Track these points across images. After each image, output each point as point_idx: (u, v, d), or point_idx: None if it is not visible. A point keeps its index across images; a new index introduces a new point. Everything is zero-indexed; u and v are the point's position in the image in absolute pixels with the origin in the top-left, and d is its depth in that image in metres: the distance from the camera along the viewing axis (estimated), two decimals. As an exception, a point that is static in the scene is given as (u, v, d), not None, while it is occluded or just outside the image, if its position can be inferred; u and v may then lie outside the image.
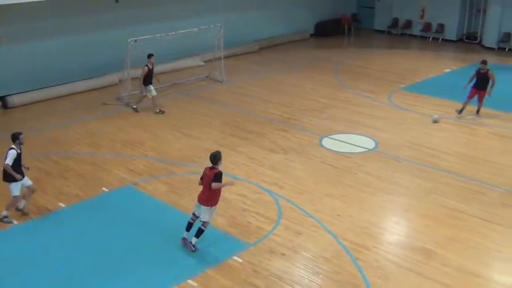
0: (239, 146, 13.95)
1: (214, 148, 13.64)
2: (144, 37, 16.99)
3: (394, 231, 10.27)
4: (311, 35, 27.86)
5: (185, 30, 18.51)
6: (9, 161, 10.03)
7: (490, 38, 25.41)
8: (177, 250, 9.49)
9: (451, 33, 26.75)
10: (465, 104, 15.88)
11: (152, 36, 17.27)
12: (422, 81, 20.00)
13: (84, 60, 18.72)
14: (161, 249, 9.54)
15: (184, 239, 9.57)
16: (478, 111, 16.04)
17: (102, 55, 18.98)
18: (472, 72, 16.06)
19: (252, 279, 8.71)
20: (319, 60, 23.15)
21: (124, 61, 16.90)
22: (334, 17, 28.53)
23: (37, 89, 17.57)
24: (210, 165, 9.27)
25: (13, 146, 10.16)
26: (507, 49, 24.89)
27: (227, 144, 14.05)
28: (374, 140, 14.30)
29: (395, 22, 28.39)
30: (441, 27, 26.95)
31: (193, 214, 9.54)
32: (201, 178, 9.43)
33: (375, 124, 15.54)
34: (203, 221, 9.37)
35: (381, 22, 28.95)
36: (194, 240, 9.42)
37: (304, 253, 9.43)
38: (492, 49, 25.12)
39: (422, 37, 27.52)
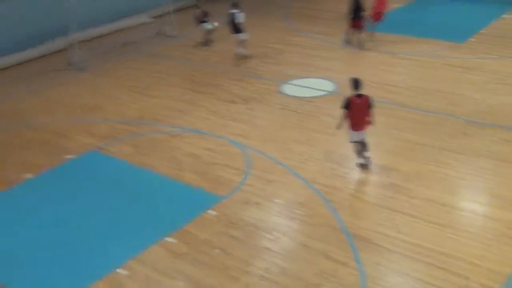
0: (199, 100, 13.85)
1: (174, 105, 13.58)
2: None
3: (361, 169, 10.53)
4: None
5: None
6: None
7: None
8: (151, 210, 9.52)
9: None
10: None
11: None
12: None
13: (29, 28, 17.94)
14: (134, 210, 9.54)
15: (361, 164, 10.27)
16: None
17: (46, 19, 18.24)
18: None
19: (229, 230, 8.84)
20: (267, 5, 22.88)
21: (69, 24, 16.33)
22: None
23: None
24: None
25: None
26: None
27: (187, 99, 13.93)
28: (333, 82, 14.42)
29: (340, -40, 28.16)
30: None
31: (356, 142, 10.10)
32: (346, 108, 9.81)
33: (332, 66, 15.63)
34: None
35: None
36: (368, 154, 10.23)
37: (277, 201, 9.60)
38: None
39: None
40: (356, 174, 10.34)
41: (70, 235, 8.98)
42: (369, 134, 11.60)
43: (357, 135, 10.00)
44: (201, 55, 17.20)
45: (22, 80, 16.00)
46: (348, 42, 17.15)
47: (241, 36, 16.28)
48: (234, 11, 16.08)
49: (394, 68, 15.00)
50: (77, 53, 16.66)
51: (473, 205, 9.24)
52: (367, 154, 10.22)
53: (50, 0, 18.11)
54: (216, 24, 17.98)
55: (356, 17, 16.56)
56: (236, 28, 16.22)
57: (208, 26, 17.96)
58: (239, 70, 15.74)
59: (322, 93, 13.83)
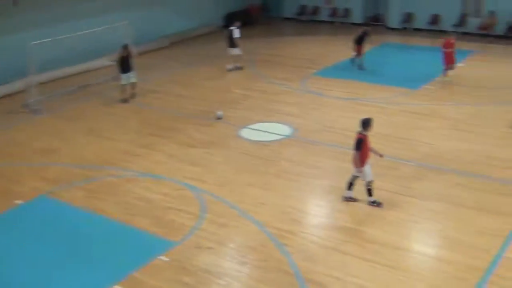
0: (157, 144, 13.72)
1: (132, 149, 13.42)
2: (45, 40, 16.27)
3: (318, 213, 10.50)
4: (223, 26, 27.80)
5: (89, 30, 17.91)
6: None
7: (394, 19, 26.39)
8: (99, 256, 9.24)
9: (357, 16, 27.55)
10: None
11: (54, 38, 16.58)
12: (332, 65, 20.45)
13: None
14: (82, 256, 9.25)
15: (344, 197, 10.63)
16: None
17: (4, 61, 18.07)
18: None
19: (181, 277, 8.62)
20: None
21: (27, 66, 16.15)
22: (243, 7, 28.58)
23: None
24: None
25: None
26: (410, 29, 25.94)
27: (146, 143, 13.79)
28: (291, 126, 14.51)
29: (303, 9, 28.89)
30: (347, 12, 27.70)
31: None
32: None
33: (291, 110, 15.76)
34: (366, 181, 10.33)
35: (289, 9, 29.37)
36: (371, 198, 10.41)
37: (231, 245, 9.45)
38: (396, 29, 26.08)
39: (329, 22, 28.15)
40: (312, 218, 10.29)
41: (14, 281, 8.64)
42: (321, 178, 11.71)
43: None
44: (161, 100, 17.15)
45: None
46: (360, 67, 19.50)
47: (236, 51, 19.31)
48: (232, 27, 19.23)
49: (351, 113, 15.10)
50: (33, 96, 16.42)
51: (424, 248, 9.25)
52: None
53: (13, 42, 18.03)
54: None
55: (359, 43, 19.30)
56: (232, 43, 19.18)
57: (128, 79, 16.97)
58: (201, 114, 15.72)
59: (279, 137, 13.88)
